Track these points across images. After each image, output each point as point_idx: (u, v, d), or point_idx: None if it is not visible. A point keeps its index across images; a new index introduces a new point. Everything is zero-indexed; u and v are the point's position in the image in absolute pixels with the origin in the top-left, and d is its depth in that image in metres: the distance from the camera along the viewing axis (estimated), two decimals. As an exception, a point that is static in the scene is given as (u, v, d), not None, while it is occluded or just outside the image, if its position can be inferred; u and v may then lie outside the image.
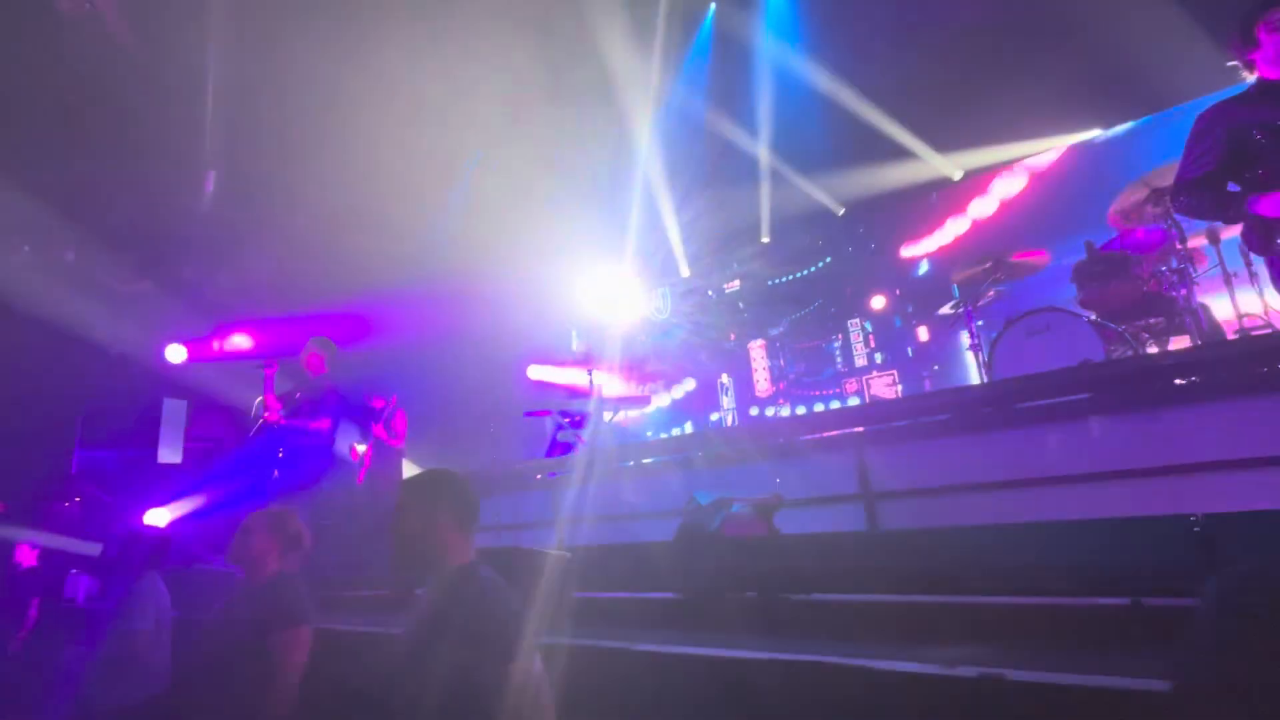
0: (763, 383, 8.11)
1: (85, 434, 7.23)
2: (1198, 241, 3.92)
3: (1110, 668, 1.32)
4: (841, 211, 8.33)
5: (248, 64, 6.03)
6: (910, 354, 7.22)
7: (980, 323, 4.85)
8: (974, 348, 4.75)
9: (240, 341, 8.36)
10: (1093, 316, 3.69)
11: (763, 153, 7.85)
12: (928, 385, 6.82)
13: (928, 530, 2.50)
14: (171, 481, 6.77)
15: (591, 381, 6.51)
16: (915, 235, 7.68)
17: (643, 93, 7.33)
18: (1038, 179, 6.85)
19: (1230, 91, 2.57)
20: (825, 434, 3.34)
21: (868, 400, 7.13)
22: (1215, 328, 3.79)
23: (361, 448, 6.30)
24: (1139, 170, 3.99)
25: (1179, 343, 3.77)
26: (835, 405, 7.39)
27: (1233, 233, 2.80)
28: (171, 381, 7.71)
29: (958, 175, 7.35)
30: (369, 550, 3.98)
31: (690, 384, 8.87)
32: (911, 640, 1.67)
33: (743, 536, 2.53)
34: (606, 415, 6.72)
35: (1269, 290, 3.02)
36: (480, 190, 7.87)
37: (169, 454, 7.42)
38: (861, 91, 6.95)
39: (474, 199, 7.86)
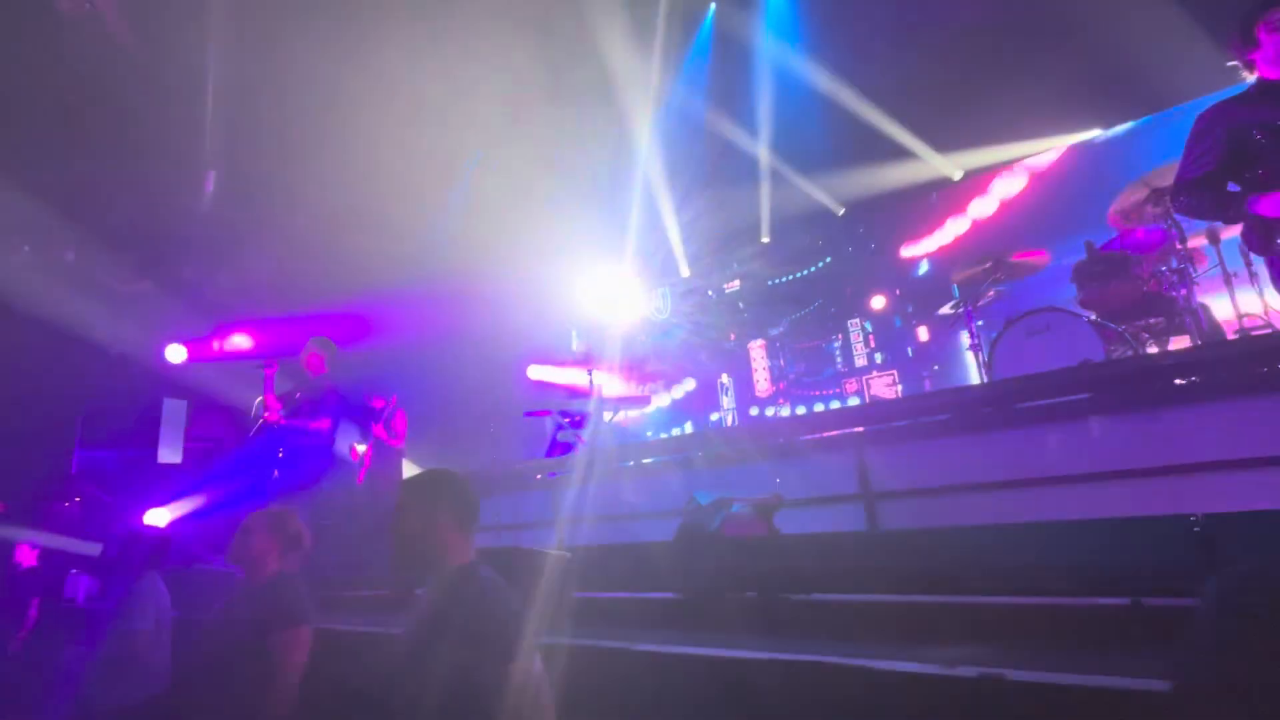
0: (763, 383, 8.10)
1: (85, 434, 7.24)
2: (1198, 241, 3.92)
3: (1110, 668, 1.32)
4: (841, 211, 8.33)
5: (248, 64, 6.03)
6: (910, 354, 7.22)
7: (980, 323, 4.85)
8: (974, 348, 4.75)
9: (240, 341, 8.36)
10: (1093, 316, 3.69)
11: (763, 153, 7.85)
12: (928, 385, 6.82)
13: (928, 530, 2.50)
14: (171, 481, 6.77)
15: (591, 381, 6.51)
16: (915, 235, 7.68)
17: (643, 93, 7.32)
18: (1038, 179, 6.85)
19: (1230, 91, 2.57)
20: (825, 434, 3.34)
21: (868, 400, 7.13)
22: (1215, 328, 3.79)
23: (361, 448, 6.30)
24: (1139, 170, 3.99)
25: (1179, 343, 3.77)
26: (835, 405, 7.39)
27: (1233, 233, 2.80)
28: (171, 381, 7.71)
29: (958, 175, 7.35)
30: (369, 550, 3.98)
31: (690, 384, 8.87)
32: (911, 640, 1.67)
33: (743, 536, 2.53)
34: (606, 415, 6.72)
35: (1269, 290, 3.02)
36: (480, 190, 7.86)
37: (169, 454, 7.42)
38: (861, 91, 6.95)
39: (474, 199, 7.86)
